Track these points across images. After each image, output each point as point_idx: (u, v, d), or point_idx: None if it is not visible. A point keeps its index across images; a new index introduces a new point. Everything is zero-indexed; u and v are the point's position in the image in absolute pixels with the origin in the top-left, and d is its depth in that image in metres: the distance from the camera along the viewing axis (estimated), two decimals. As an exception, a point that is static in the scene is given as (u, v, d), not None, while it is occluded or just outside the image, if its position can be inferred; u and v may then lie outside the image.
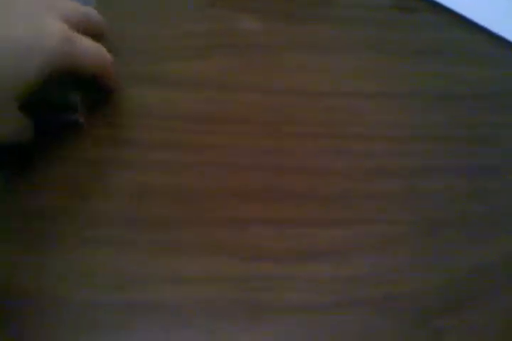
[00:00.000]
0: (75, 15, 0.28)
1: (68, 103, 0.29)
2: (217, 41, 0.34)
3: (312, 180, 0.29)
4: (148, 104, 0.31)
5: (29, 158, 0.28)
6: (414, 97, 0.33)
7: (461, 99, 0.33)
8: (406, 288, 0.26)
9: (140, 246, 0.26)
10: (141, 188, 0.28)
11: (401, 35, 0.36)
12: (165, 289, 0.25)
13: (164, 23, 0.34)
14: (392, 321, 0.25)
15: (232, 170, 0.29)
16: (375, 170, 0.30)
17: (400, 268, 0.27)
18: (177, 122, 0.30)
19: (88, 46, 0.28)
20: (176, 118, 0.30)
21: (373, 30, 0.36)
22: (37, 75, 0.25)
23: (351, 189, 0.29)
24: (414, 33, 0.36)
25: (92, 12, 0.30)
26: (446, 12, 0.37)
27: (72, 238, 0.26)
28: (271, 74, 0.33)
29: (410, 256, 0.27)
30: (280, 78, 0.33)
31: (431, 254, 0.27)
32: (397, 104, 0.32)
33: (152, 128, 0.30)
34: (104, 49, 0.29)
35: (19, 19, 0.25)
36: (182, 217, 0.27)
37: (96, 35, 0.29)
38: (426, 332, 0.25)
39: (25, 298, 0.24)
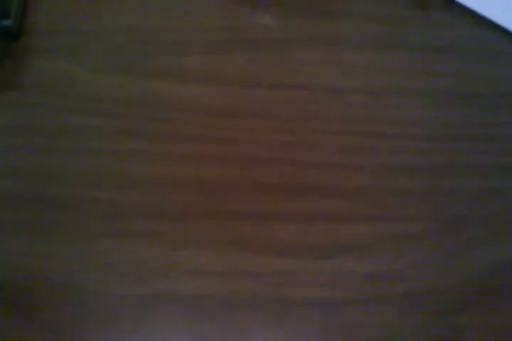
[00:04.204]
0: None
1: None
2: (237, 37, 0.34)
3: (334, 175, 0.29)
4: (169, 97, 0.31)
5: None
6: (435, 95, 0.33)
7: (483, 97, 0.33)
8: (427, 285, 0.26)
9: (163, 239, 0.26)
10: (164, 180, 0.28)
11: (419, 32, 0.35)
12: (187, 282, 0.25)
13: (185, 17, 0.34)
14: (412, 318, 0.25)
15: (254, 164, 0.29)
16: (397, 168, 0.30)
17: (421, 264, 0.27)
18: (199, 116, 0.30)
19: None
20: (198, 112, 0.31)
21: (392, 27, 0.36)
22: None
23: (373, 185, 0.29)
24: (433, 31, 0.36)
25: None
26: (465, 10, 0.37)
27: (94, 229, 0.26)
28: (292, 70, 0.33)
29: (432, 252, 0.27)
30: (301, 74, 0.33)
31: (452, 251, 0.27)
32: (419, 101, 0.32)
33: (174, 121, 0.30)
34: None
35: None
36: (204, 210, 0.27)
37: None
38: (446, 330, 0.25)
39: (46, 288, 0.25)
